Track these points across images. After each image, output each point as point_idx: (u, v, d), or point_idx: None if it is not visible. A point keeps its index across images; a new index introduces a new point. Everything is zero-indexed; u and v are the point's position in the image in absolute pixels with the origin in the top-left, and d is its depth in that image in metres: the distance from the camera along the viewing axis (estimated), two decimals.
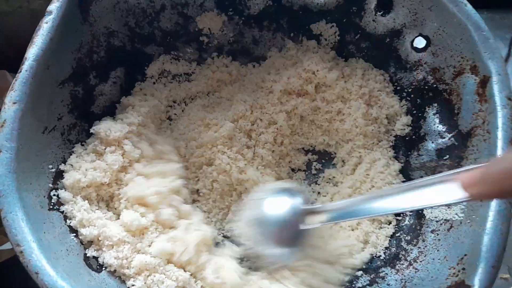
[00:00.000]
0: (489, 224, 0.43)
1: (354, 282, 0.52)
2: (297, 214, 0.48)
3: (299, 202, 0.49)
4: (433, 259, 0.48)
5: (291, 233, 0.48)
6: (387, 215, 0.55)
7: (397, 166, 0.58)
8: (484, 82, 0.49)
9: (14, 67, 0.46)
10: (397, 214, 0.56)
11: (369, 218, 0.55)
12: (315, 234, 0.51)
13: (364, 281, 0.52)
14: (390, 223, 0.56)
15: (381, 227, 0.55)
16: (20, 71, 0.45)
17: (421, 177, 0.56)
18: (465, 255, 0.45)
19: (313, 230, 0.49)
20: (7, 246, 0.58)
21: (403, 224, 0.55)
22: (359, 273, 0.53)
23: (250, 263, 0.53)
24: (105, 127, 0.53)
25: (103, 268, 0.47)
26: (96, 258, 0.47)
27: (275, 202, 0.50)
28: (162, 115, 0.61)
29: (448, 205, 0.50)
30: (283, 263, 0.50)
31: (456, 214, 0.49)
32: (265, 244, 0.49)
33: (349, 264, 0.53)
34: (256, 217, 0.50)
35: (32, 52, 0.46)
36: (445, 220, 0.50)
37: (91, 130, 0.54)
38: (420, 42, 0.57)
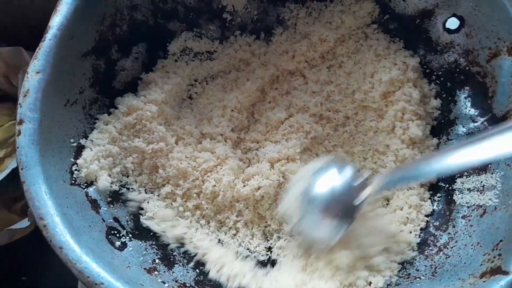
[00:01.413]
0: None
1: None
2: (350, 189, 0.46)
3: (349, 176, 0.47)
4: (465, 245, 0.47)
5: (343, 208, 0.46)
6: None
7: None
8: None
9: (29, 44, 0.45)
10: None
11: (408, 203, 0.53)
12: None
13: None
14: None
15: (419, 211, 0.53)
16: (44, 40, 0.44)
17: None
18: (501, 240, 0.43)
19: (365, 206, 0.47)
20: (18, 225, 0.57)
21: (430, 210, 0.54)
22: None
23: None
24: (128, 102, 0.52)
25: (125, 247, 0.45)
26: (118, 236, 0.46)
27: (325, 177, 0.48)
28: (183, 93, 0.59)
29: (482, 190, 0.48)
30: (333, 241, 0.47)
31: (490, 199, 0.47)
32: (315, 221, 0.47)
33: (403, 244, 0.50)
34: (305, 193, 0.48)
35: (56, 20, 0.45)
36: (477, 205, 0.48)
37: (115, 103, 0.53)
38: (453, 23, 0.55)
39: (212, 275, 0.48)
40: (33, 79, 0.43)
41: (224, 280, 0.47)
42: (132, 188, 0.51)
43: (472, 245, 0.46)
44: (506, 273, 0.40)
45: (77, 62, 0.48)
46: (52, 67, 0.44)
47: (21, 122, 0.41)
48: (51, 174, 0.41)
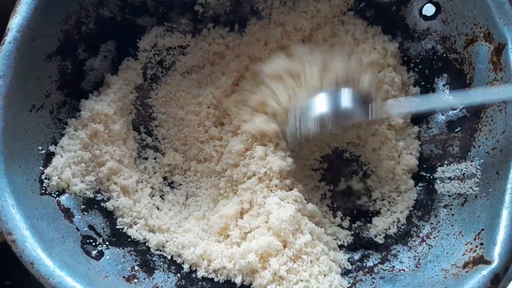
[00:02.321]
0: (508, 198, 0.42)
1: (365, 261, 0.50)
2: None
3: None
4: (447, 234, 0.47)
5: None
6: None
7: None
8: (499, 50, 0.46)
9: None
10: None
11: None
12: None
13: (375, 259, 0.50)
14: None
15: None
16: (3, 43, 0.42)
17: (431, 151, 0.54)
18: (482, 229, 0.43)
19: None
20: None
21: (412, 200, 0.53)
22: (370, 251, 0.51)
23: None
24: (91, 106, 0.50)
25: (102, 256, 0.44)
26: (94, 244, 0.44)
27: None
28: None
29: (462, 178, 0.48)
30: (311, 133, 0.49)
31: (471, 188, 0.47)
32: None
33: None
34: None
35: (16, 22, 0.42)
36: (458, 194, 0.48)
37: (79, 106, 0.51)
38: (429, 10, 0.54)
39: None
40: None
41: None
42: (107, 197, 0.49)
43: (454, 234, 0.46)
44: (488, 262, 0.40)
45: (42, 65, 0.46)
46: (14, 71, 0.42)
47: None
48: (18, 186, 0.39)
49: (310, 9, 0.59)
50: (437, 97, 0.49)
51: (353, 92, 0.50)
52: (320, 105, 0.50)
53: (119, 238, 0.47)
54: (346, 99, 0.50)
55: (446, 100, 0.48)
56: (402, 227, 0.52)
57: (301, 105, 0.51)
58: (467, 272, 0.41)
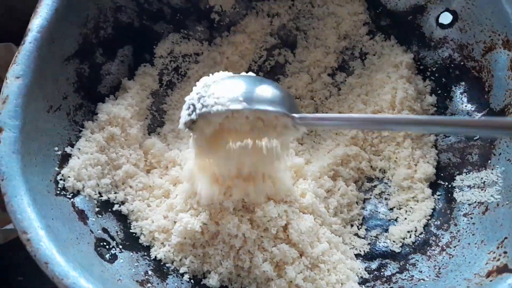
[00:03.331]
0: None
1: (382, 270, 0.49)
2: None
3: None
4: (469, 243, 0.45)
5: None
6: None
7: None
8: None
9: (20, 40, 0.42)
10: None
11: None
12: None
13: (393, 269, 0.49)
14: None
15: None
16: (23, 43, 0.42)
17: (449, 159, 0.53)
18: (506, 238, 0.42)
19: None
20: (13, 225, 0.55)
21: (430, 209, 0.52)
22: (387, 260, 0.50)
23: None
24: (108, 109, 0.50)
25: (116, 259, 0.43)
26: (108, 248, 0.43)
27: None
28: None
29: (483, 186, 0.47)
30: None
31: (492, 196, 0.46)
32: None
33: None
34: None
35: (36, 23, 0.43)
36: (479, 202, 0.47)
37: (96, 109, 0.51)
38: (446, 18, 0.54)
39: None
40: (12, 84, 0.40)
41: None
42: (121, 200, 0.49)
43: (475, 243, 0.45)
44: None
45: (60, 67, 0.46)
46: (33, 72, 0.42)
47: (0, 130, 0.39)
48: (34, 185, 0.39)
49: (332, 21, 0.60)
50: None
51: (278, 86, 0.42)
52: (236, 81, 0.40)
53: (133, 242, 0.47)
54: (271, 85, 0.41)
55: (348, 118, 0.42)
56: (419, 236, 0.51)
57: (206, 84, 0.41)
58: (491, 281, 0.40)
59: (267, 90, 0.40)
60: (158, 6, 0.57)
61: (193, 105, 0.39)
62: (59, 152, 0.45)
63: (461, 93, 0.53)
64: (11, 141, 0.39)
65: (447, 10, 0.53)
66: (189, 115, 0.40)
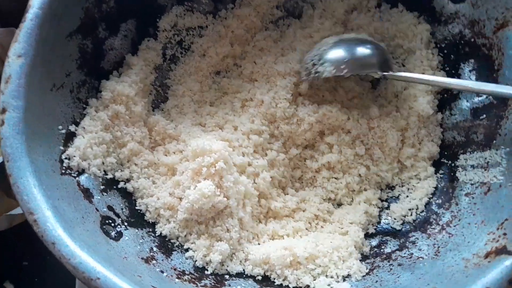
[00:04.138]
0: None
1: (382, 247, 0.50)
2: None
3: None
4: (469, 223, 0.46)
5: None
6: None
7: None
8: None
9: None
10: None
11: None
12: None
13: (393, 246, 0.50)
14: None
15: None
16: (24, 20, 0.41)
17: (453, 138, 0.52)
18: (506, 219, 0.42)
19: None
20: (18, 210, 0.56)
21: (432, 187, 0.52)
22: (388, 237, 0.51)
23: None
24: (112, 87, 0.50)
25: (121, 237, 0.44)
26: (113, 225, 0.44)
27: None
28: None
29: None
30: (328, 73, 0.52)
31: (495, 176, 0.46)
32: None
33: None
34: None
35: None
36: (481, 183, 0.47)
37: (100, 87, 0.50)
38: None
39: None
40: (14, 63, 0.40)
41: None
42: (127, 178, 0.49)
43: (476, 223, 0.45)
44: (511, 253, 0.39)
45: (62, 43, 0.46)
46: (35, 49, 0.41)
47: (3, 111, 0.39)
48: (39, 165, 0.39)
49: None
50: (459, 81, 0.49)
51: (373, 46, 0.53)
52: (339, 50, 0.52)
53: (138, 219, 0.48)
54: (365, 49, 0.52)
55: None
56: (420, 214, 0.51)
57: (318, 51, 0.53)
58: (489, 262, 0.40)
59: (363, 55, 0.52)
60: None
61: (308, 69, 0.53)
62: (64, 131, 0.45)
63: (470, 71, 0.52)
64: (15, 122, 0.39)
65: None
66: (307, 75, 0.54)
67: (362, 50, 0.52)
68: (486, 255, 0.41)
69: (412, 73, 0.52)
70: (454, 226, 0.47)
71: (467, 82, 0.48)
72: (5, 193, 0.59)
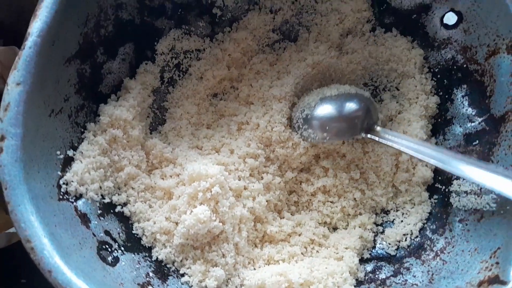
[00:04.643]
0: None
1: (377, 273, 0.50)
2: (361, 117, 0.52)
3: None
4: (462, 250, 0.46)
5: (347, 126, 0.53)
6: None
7: None
8: None
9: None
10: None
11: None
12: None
13: (388, 272, 0.50)
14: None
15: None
16: (23, 48, 0.41)
17: None
18: (499, 248, 0.43)
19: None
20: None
21: (426, 212, 0.53)
22: (382, 263, 0.51)
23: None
24: (110, 111, 0.50)
25: (117, 262, 0.44)
26: (110, 250, 0.45)
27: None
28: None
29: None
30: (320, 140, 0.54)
31: (488, 203, 0.47)
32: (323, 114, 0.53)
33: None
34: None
35: (36, 26, 0.42)
36: (474, 209, 0.48)
37: (98, 111, 0.51)
38: (451, 18, 0.53)
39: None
40: (13, 91, 0.40)
41: None
42: (123, 202, 0.50)
43: (469, 251, 0.45)
44: (504, 282, 0.40)
45: (61, 69, 0.46)
46: (34, 77, 0.41)
47: (2, 138, 0.39)
48: (37, 192, 0.40)
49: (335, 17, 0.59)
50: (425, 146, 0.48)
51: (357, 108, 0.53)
52: (321, 118, 0.53)
53: (134, 244, 0.48)
54: (348, 115, 0.53)
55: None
56: (415, 239, 0.52)
57: (302, 113, 0.54)
58: None
59: (345, 123, 0.53)
60: (159, 2, 0.56)
61: (296, 128, 0.55)
62: (62, 156, 0.45)
63: (463, 96, 0.53)
64: (13, 149, 0.39)
65: (452, 10, 0.52)
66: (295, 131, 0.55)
67: (345, 116, 0.53)
68: (479, 284, 0.42)
69: (392, 133, 0.52)
70: (448, 253, 0.47)
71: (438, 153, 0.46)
72: (4, 211, 0.59)
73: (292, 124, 0.56)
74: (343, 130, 0.53)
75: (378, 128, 0.53)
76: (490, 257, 0.43)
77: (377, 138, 0.52)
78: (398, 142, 0.50)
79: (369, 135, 0.52)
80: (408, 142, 0.49)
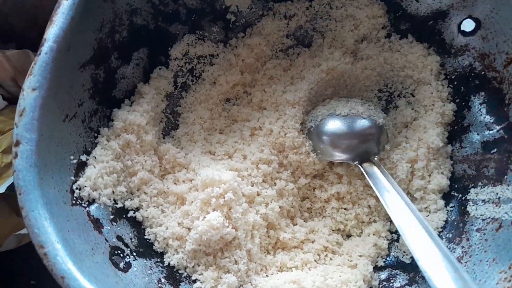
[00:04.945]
0: None
1: (392, 281, 0.49)
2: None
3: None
4: (480, 260, 0.45)
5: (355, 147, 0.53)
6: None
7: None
8: None
9: (37, 46, 0.42)
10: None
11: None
12: None
13: (403, 280, 0.49)
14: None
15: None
16: (39, 54, 0.41)
17: (464, 171, 0.52)
18: None
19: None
20: (26, 230, 0.56)
21: (442, 221, 0.52)
22: (397, 271, 0.50)
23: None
24: (124, 116, 0.50)
25: (130, 267, 0.44)
26: (122, 256, 0.44)
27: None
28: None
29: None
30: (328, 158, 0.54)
31: (506, 213, 0.46)
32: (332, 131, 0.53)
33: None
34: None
35: (52, 32, 0.42)
36: (492, 218, 0.47)
37: (112, 116, 0.51)
38: (468, 25, 0.52)
39: None
40: (29, 96, 0.40)
41: None
42: (136, 207, 0.50)
43: (487, 261, 0.44)
44: None
45: (75, 74, 0.46)
46: (49, 82, 0.42)
47: (17, 143, 0.39)
48: (50, 198, 0.40)
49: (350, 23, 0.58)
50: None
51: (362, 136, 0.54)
52: (325, 137, 0.54)
53: (146, 249, 0.48)
54: (349, 141, 0.53)
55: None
56: None
57: (310, 123, 0.55)
58: None
59: (347, 143, 0.53)
60: (174, 7, 0.56)
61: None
62: (75, 161, 0.45)
63: (480, 104, 0.52)
64: (28, 154, 0.39)
65: (469, 17, 0.52)
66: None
67: (346, 142, 0.53)
68: None
69: (383, 173, 0.51)
70: (465, 262, 0.46)
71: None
72: (15, 212, 0.59)
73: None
74: (341, 154, 0.53)
75: (376, 159, 0.53)
76: (509, 268, 0.42)
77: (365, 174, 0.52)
78: (380, 187, 0.49)
79: (362, 167, 0.52)
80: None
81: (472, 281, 0.40)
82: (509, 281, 0.41)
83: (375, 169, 0.51)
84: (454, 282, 0.40)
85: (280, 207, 0.52)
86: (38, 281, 0.62)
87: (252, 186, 0.52)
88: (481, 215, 0.48)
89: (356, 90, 0.59)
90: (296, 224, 0.53)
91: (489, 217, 0.47)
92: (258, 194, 0.52)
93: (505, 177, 0.47)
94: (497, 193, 0.48)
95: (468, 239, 0.48)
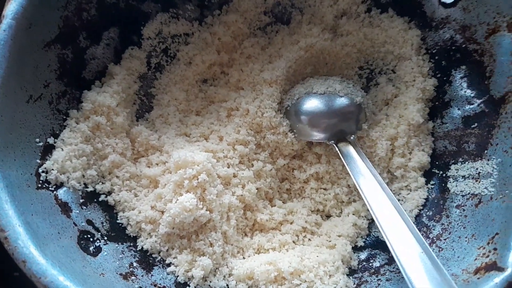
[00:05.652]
0: None
1: (371, 261, 0.49)
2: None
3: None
4: (459, 237, 0.44)
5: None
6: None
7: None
8: None
9: None
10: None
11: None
12: None
13: (382, 260, 0.48)
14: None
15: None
16: None
17: (445, 147, 0.51)
18: (497, 233, 0.41)
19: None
20: None
21: (423, 198, 0.51)
22: (377, 251, 0.49)
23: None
24: (93, 97, 0.49)
25: (100, 252, 0.43)
26: (92, 240, 0.43)
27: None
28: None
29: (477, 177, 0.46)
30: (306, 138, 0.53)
31: (486, 188, 0.45)
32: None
33: None
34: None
35: (11, 8, 0.41)
36: (472, 194, 0.46)
37: (81, 98, 0.49)
38: None
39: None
40: None
41: None
42: (108, 191, 0.48)
43: (466, 237, 0.44)
44: (501, 269, 0.38)
45: (40, 53, 0.45)
46: (9, 60, 0.40)
47: None
48: (12, 180, 0.38)
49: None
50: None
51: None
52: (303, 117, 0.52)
53: (118, 233, 0.46)
54: (328, 118, 0.52)
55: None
56: None
57: (288, 101, 0.54)
58: (478, 278, 0.39)
59: (323, 122, 0.52)
60: None
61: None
62: (41, 144, 0.44)
63: (461, 78, 0.51)
64: None
65: None
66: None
67: (322, 121, 0.52)
68: (476, 271, 0.40)
69: (359, 153, 0.50)
70: (444, 239, 0.46)
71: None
72: None
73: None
74: (310, 133, 0.52)
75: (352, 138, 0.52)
76: (488, 243, 0.41)
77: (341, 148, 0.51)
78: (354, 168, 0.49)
79: (337, 147, 0.51)
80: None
81: (441, 265, 0.39)
82: (487, 256, 0.40)
83: (351, 149, 0.50)
84: (423, 265, 0.39)
85: (257, 189, 0.51)
86: (21, 272, 0.61)
87: (228, 167, 0.51)
88: (461, 191, 0.47)
89: (336, 68, 0.57)
90: (275, 206, 0.52)
91: (469, 193, 0.46)
92: (234, 176, 0.51)
93: (485, 151, 0.46)
94: (477, 168, 0.47)
95: (448, 216, 0.47)
